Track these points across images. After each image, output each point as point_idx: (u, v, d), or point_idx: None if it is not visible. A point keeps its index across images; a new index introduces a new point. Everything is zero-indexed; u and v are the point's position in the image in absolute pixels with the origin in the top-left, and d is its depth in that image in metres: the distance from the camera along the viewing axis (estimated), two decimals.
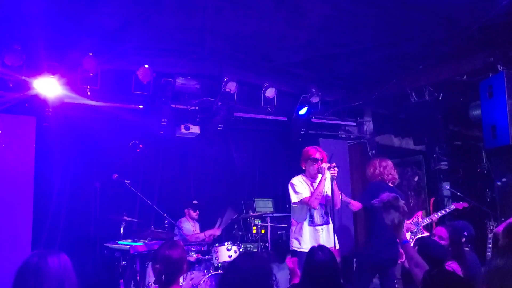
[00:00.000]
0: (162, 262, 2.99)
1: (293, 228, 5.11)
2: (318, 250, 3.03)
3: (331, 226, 4.97)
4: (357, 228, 7.95)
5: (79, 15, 4.98)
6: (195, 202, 6.47)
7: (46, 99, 5.51)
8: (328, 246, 4.48)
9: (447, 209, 6.11)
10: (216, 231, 6.27)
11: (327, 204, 5.04)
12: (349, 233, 7.84)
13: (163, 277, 2.97)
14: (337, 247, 4.93)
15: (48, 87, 5.42)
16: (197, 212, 6.43)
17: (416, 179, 6.41)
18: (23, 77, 5.32)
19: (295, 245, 5.00)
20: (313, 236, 4.91)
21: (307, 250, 4.79)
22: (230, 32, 5.62)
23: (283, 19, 5.22)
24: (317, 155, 5.01)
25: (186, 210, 6.43)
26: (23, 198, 5.48)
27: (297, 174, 5.21)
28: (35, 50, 5.31)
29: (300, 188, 5.03)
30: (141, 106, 6.32)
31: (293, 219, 5.16)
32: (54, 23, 5.03)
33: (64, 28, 5.23)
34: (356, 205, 5.42)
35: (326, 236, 4.92)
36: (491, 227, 5.38)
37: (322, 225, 4.97)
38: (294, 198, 5.03)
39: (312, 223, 4.97)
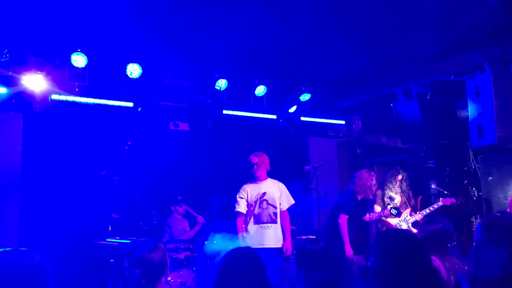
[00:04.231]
0: (141, 266, 2.88)
1: None
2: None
3: (278, 225, 5.26)
4: None
5: (68, 10, 4.93)
6: (179, 198, 6.48)
7: (33, 96, 5.46)
8: (273, 243, 5.10)
9: (435, 206, 6.18)
10: (199, 220, 6.33)
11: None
12: None
13: (143, 281, 2.85)
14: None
15: (35, 83, 5.37)
16: (184, 206, 6.45)
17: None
18: (10, 73, 5.26)
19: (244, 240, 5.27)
20: (258, 233, 5.19)
21: (252, 246, 5.03)
22: (221, 29, 5.61)
23: (274, 16, 5.22)
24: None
25: (173, 208, 6.42)
26: (9, 195, 5.42)
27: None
28: (22, 45, 5.25)
29: None
30: (130, 104, 6.29)
31: None
32: (41, 17, 4.98)
33: (52, 23, 5.18)
34: None
35: (273, 234, 5.21)
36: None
37: (267, 223, 5.23)
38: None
39: (257, 221, 5.24)
